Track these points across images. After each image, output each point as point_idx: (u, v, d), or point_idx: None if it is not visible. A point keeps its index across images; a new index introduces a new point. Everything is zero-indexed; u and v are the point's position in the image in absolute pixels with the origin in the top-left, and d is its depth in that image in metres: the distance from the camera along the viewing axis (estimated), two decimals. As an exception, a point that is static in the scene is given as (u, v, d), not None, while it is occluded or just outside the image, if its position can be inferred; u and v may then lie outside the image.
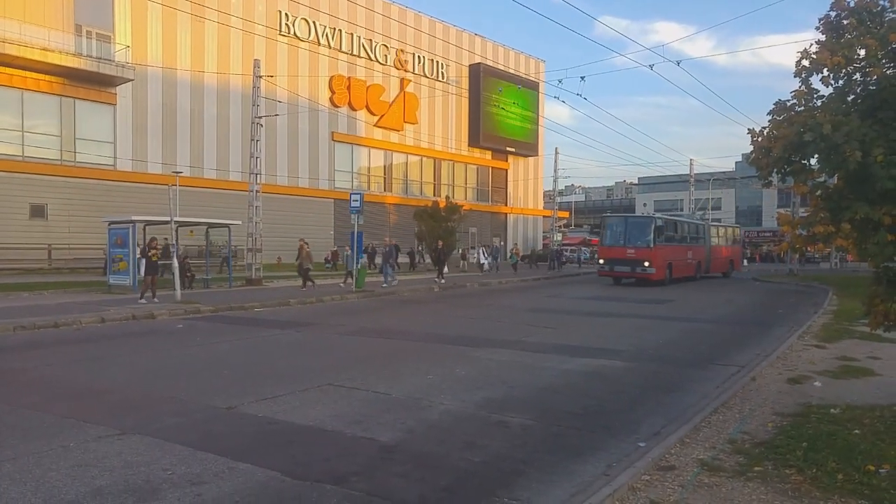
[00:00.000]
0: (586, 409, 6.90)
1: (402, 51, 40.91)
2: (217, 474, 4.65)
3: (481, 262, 34.93)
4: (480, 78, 45.10)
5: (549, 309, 17.57)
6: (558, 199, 52.24)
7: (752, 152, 7.09)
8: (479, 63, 45.17)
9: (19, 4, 26.03)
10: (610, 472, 4.81)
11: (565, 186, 77.94)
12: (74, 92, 27.80)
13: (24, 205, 26.66)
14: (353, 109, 38.83)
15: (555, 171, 47.93)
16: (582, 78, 31.71)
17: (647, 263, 26.60)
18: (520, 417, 6.41)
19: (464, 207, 37.17)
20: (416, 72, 42.24)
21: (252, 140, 24.40)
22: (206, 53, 32.05)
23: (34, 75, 26.55)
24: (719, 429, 5.97)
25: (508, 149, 48.68)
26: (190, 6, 29.48)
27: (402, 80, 41.27)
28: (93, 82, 27.93)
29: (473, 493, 4.51)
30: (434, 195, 41.26)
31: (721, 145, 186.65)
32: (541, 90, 49.25)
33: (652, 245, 26.79)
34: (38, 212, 26.98)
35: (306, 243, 22.95)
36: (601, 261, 29.11)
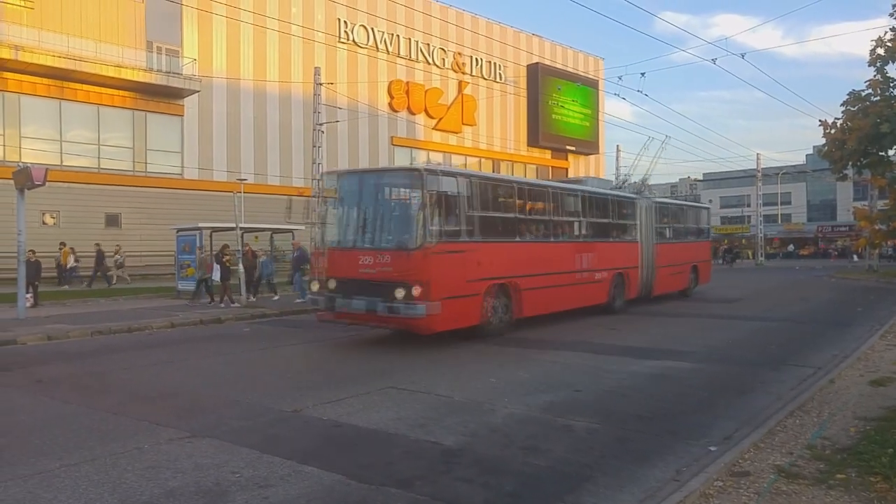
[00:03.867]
0: (653, 412, 6.70)
1: (459, 53, 40.99)
2: (283, 477, 4.72)
3: None
4: (538, 77, 44.72)
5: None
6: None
7: (824, 145, 6.74)
8: (537, 63, 44.81)
9: (95, 25, 27.39)
10: (680, 478, 4.64)
11: (627, 184, 76.45)
12: (145, 105, 29.02)
13: (101, 214, 28.01)
14: (412, 113, 39.14)
15: (616, 168, 47.01)
16: (642, 74, 31.14)
17: (405, 292, 10.19)
18: (585, 421, 6.27)
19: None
20: (474, 74, 42.24)
21: (314, 146, 24.90)
22: (267, 63, 32.93)
23: (109, 91, 27.87)
24: (796, 433, 5.69)
25: (568, 147, 48.09)
26: (252, 17, 30.36)
27: (459, 82, 41.35)
28: (162, 95, 29.10)
29: (539, 498, 4.43)
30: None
31: (789, 138, 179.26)
32: (600, 88, 48.47)
33: (418, 244, 10.27)
34: (112, 220, 28.29)
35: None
36: (312, 286, 12.04)
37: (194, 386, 8.01)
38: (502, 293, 11.87)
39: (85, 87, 27.13)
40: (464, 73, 41.64)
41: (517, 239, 12.36)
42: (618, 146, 50.71)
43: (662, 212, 19.13)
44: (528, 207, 13.01)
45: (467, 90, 41.79)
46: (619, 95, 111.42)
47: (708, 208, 25.15)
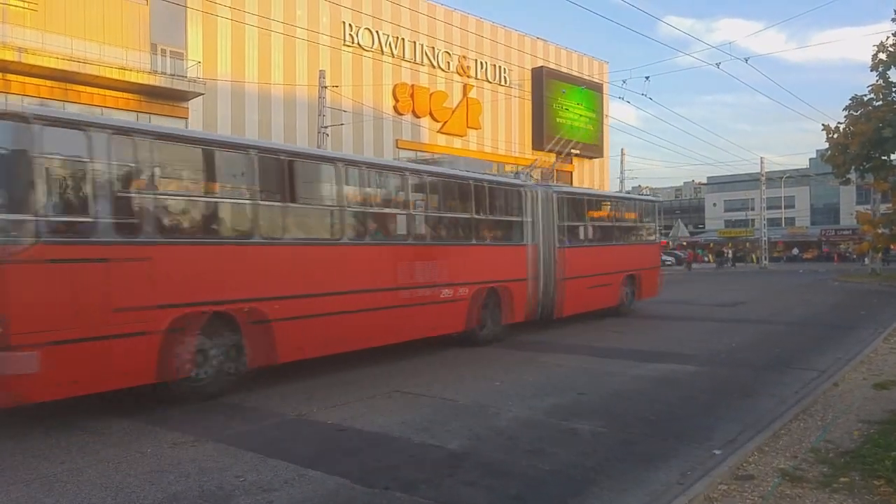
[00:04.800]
0: (657, 415, 6.70)
1: (464, 57, 41.04)
2: (287, 481, 4.73)
3: None
4: (543, 81, 44.75)
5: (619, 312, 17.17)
6: (624, 201, 51.22)
7: (828, 149, 6.73)
8: (542, 66, 44.84)
9: (99, 27, 27.48)
10: (684, 481, 4.64)
11: (632, 188, 76.40)
12: (150, 108, 29.09)
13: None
14: (417, 116, 39.20)
15: (621, 172, 47.06)
16: (647, 78, 30.53)
17: None
18: (589, 424, 6.28)
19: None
20: (479, 77, 42.28)
21: (318, 149, 24.97)
22: (272, 66, 33.01)
23: (113, 93, 27.94)
24: (800, 437, 5.69)
25: (573, 151, 48.07)
26: (257, 20, 30.45)
27: (464, 85, 41.40)
28: (167, 98, 29.17)
29: (543, 501, 4.44)
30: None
31: (792, 142, 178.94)
32: (605, 91, 48.45)
33: None
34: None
35: None
36: None
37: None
38: (221, 328, 7.30)
39: (89, 89, 27.21)
40: (469, 76, 41.68)
41: (256, 239, 7.64)
42: (622, 150, 50.74)
43: (574, 206, 14.15)
44: (287, 188, 8.09)
45: (472, 93, 41.84)
46: (623, 99, 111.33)
47: (656, 202, 18.56)
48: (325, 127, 24.97)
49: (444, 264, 10.35)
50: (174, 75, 28.62)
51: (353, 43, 36.14)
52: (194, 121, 30.55)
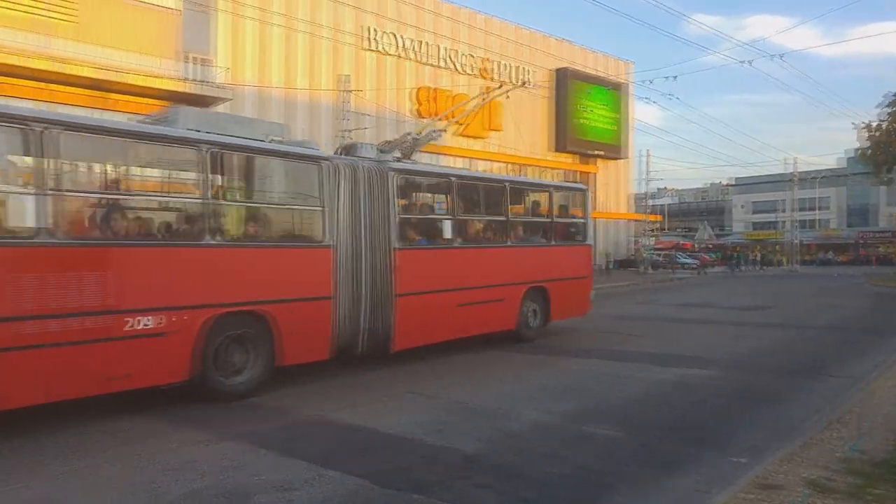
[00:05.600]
0: (678, 420, 6.58)
1: (486, 59, 41.03)
2: (307, 481, 4.74)
3: None
4: (566, 82, 44.54)
5: (637, 316, 17.01)
6: (650, 203, 50.70)
7: (868, 147, 6.49)
8: (565, 67, 44.63)
9: (133, 37, 27.97)
10: (706, 489, 4.54)
11: (657, 189, 75.55)
12: (179, 114, 29.58)
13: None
14: (439, 119, 39.25)
15: (646, 173, 46.61)
16: (674, 77, 30.60)
17: None
18: (606, 429, 6.19)
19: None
20: (501, 79, 42.21)
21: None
22: (297, 70, 33.34)
23: (146, 101, 28.44)
24: (831, 446, 5.51)
25: (596, 152, 47.75)
26: (283, 27, 30.78)
27: (486, 88, 41.38)
28: (195, 103, 29.48)
29: (558, 506, 4.38)
30: (520, 202, 40.91)
31: (820, 141, 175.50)
32: (630, 92, 48.05)
33: None
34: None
35: None
36: None
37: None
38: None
39: (124, 97, 27.76)
40: (491, 78, 41.61)
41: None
42: (647, 151, 50.25)
43: (429, 192, 10.73)
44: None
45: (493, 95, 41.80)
46: (649, 99, 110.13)
47: (582, 189, 13.83)
48: (348, 131, 25.10)
49: (129, 280, 6.38)
50: (202, 82, 29.09)
51: (376, 47, 36.34)
52: (220, 125, 30.94)
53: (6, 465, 5.11)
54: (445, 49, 39.25)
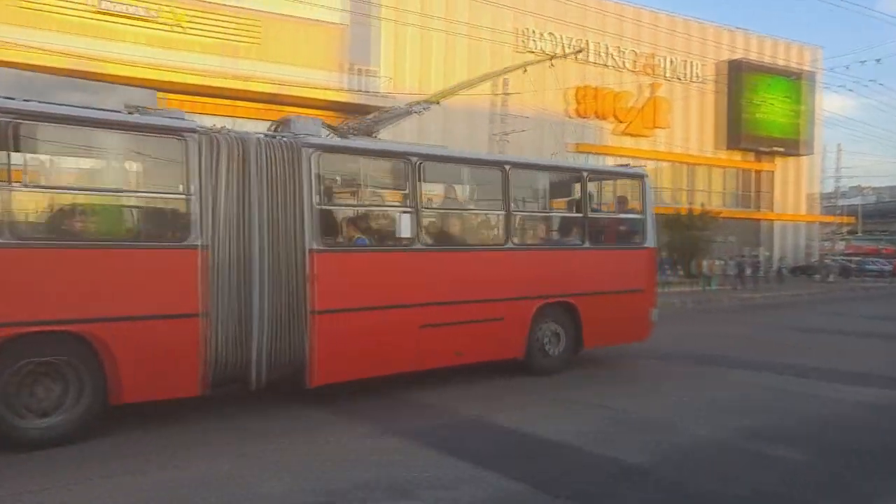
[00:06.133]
0: (874, 447, 5.85)
1: (652, 55, 39.43)
2: (468, 481, 4.82)
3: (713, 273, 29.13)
4: (741, 74, 41.54)
5: (822, 328, 15.38)
6: (841, 203, 45.68)
7: None
8: (740, 59, 41.66)
9: (307, 53, 30.35)
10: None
11: (849, 188, 67.85)
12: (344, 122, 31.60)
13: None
14: (600, 119, 38.39)
15: (836, 170, 42.20)
16: (876, 60, 26.94)
17: None
18: (787, 451, 5.65)
19: (720, 215, 34.39)
20: (668, 75, 40.37)
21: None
22: (456, 77, 34.15)
23: (315, 112, 30.63)
24: None
25: (774, 148, 44.04)
26: (443, 28, 31.79)
27: (652, 84, 39.80)
28: (359, 113, 31.25)
29: (734, 532, 4.07)
30: (687, 203, 38.94)
31: None
32: (818, 80, 43.73)
33: None
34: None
35: None
36: None
37: (376, 384, 7.93)
38: None
39: (295, 109, 30.17)
40: (656, 74, 39.95)
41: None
42: (839, 145, 45.50)
43: (366, 174, 8.03)
44: None
45: (660, 91, 40.03)
46: (843, 87, 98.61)
47: (636, 175, 10.15)
48: (506, 134, 25.30)
49: None
50: (363, 92, 30.95)
51: (535, 48, 36.29)
52: (382, 133, 32.59)
53: (194, 445, 5.72)
54: (608, 46, 38.28)
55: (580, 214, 9.10)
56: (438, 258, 7.82)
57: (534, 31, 36.26)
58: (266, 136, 6.85)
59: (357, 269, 7.14)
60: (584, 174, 9.30)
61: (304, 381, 6.67)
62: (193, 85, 26.15)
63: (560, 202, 9.78)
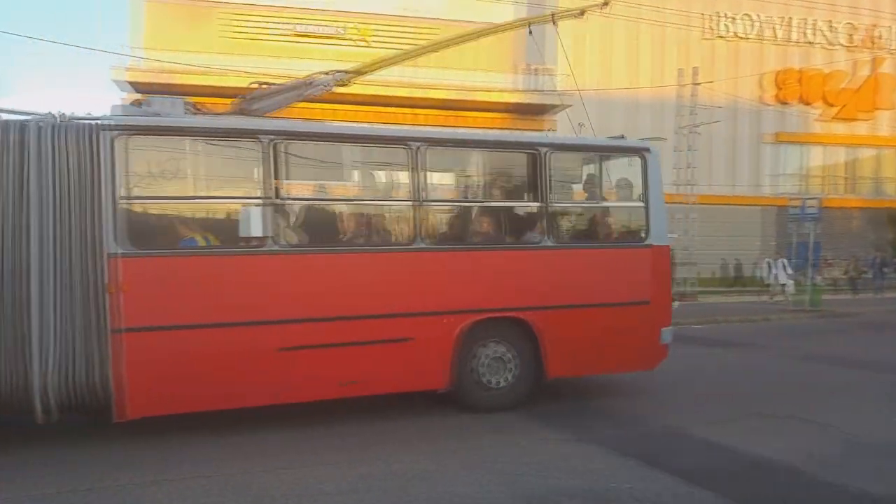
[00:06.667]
0: None
1: (873, 26, 34.89)
2: (677, 496, 4.42)
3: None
4: None
5: None
6: None
7: None
8: None
9: (484, 56, 30.76)
10: None
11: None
12: (521, 124, 31.50)
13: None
14: (806, 104, 34.75)
15: None
16: None
17: None
18: None
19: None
20: (894, 47, 35.47)
21: (688, 150, 23.91)
22: (639, 68, 32.84)
23: (490, 115, 31.13)
24: None
25: None
26: (625, 26, 30.62)
27: (873, 59, 35.19)
28: (535, 113, 31.32)
29: None
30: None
31: None
32: None
33: None
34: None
35: None
36: None
37: (557, 386, 7.58)
38: None
39: (472, 113, 30.79)
40: (878, 47, 35.22)
41: None
42: None
43: (204, 160, 6.48)
44: None
45: (883, 67, 35.24)
46: None
47: (636, 150, 7.42)
48: (696, 126, 23.71)
49: None
50: (542, 91, 30.70)
51: (727, 32, 33.79)
52: (562, 132, 32.22)
53: (385, 440, 5.86)
54: (816, 22, 34.51)
55: (537, 203, 6.88)
56: (305, 263, 6.11)
57: (726, 14, 33.72)
58: (50, 118, 5.43)
59: (181, 277, 5.68)
60: (543, 151, 6.81)
61: (111, 416, 5.39)
62: (377, 96, 27.57)
63: (508, 188, 7.42)
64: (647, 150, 7.28)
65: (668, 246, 7.36)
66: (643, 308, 7.09)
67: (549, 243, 6.80)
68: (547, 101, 30.61)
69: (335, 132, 6.86)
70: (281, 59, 26.46)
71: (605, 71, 32.49)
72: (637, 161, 7.25)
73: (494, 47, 31.09)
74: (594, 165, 7.59)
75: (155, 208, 6.02)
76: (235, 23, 27.91)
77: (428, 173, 6.57)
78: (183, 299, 5.62)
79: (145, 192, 5.75)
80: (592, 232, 7.54)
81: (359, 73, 7.28)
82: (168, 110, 5.89)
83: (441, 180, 7.67)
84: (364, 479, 4.76)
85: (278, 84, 6.85)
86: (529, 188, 7.07)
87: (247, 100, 6.65)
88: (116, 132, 5.43)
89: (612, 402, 7.21)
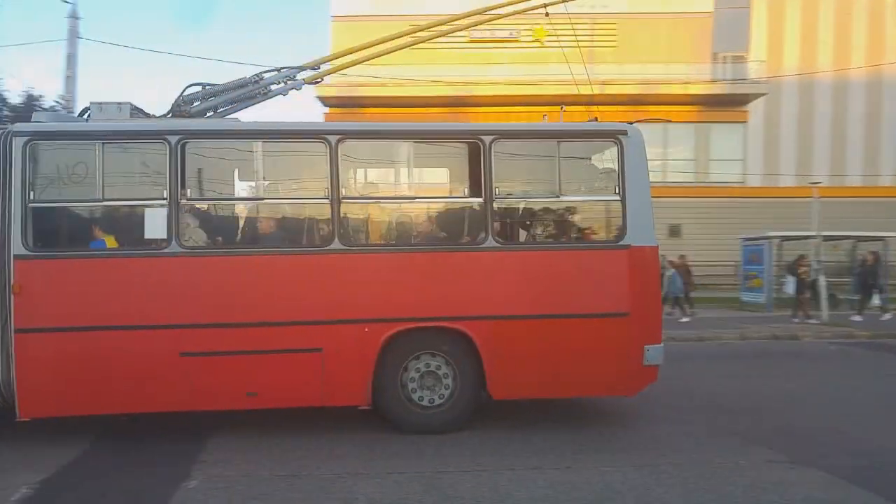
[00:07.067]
0: None
1: None
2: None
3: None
4: None
5: None
6: None
7: None
8: None
9: (666, 48, 29.27)
10: None
11: None
12: (708, 116, 29.58)
13: (664, 225, 29.61)
14: None
15: None
16: None
17: None
18: None
19: None
20: None
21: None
22: (852, 48, 29.48)
23: (676, 108, 29.37)
24: None
25: None
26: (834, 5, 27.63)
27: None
28: (726, 104, 29.16)
29: None
30: None
31: None
32: None
33: None
34: (674, 231, 29.62)
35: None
36: None
37: (777, 406, 7.31)
38: None
39: (655, 107, 29.26)
40: None
41: None
42: None
43: (116, 162, 6.04)
44: None
45: None
46: None
47: (610, 133, 6.48)
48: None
49: None
50: (734, 80, 28.53)
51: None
52: (754, 123, 29.91)
53: (531, 451, 5.68)
54: None
55: (478, 199, 6.13)
56: (208, 265, 5.92)
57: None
58: None
59: (84, 279, 5.72)
60: (486, 139, 6.07)
61: (14, 416, 5.53)
62: (554, 96, 27.34)
63: (444, 183, 7.03)
64: (624, 133, 6.22)
65: (654, 247, 6.21)
66: (619, 321, 6.03)
67: (494, 244, 6.00)
68: (737, 90, 28.57)
69: (245, 129, 6.31)
70: (457, 66, 27.21)
71: (808, 53, 29.62)
72: (613, 148, 6.27)
73: (677, 37, 29.56)
74: (553, 154, 6.34)
75: (62, 211, 6.11)
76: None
77: (348, 168, 6.30)
78: (85, 301, 5.66)
79: (53, 196, 5.90)
80: (549, 231, 6.78)
81: (312, 68, 6.96)
82: (115, 115, 6.02)
83: (365, 176, 7.14)
84: (555, 486, 4.64)
85: (221, 84, 6.65)
86: (471, 182, 6.44)
87: (183, 100, 6.45)
88: (26, 137, 5.63)
89: (825, 420, 6.44)
